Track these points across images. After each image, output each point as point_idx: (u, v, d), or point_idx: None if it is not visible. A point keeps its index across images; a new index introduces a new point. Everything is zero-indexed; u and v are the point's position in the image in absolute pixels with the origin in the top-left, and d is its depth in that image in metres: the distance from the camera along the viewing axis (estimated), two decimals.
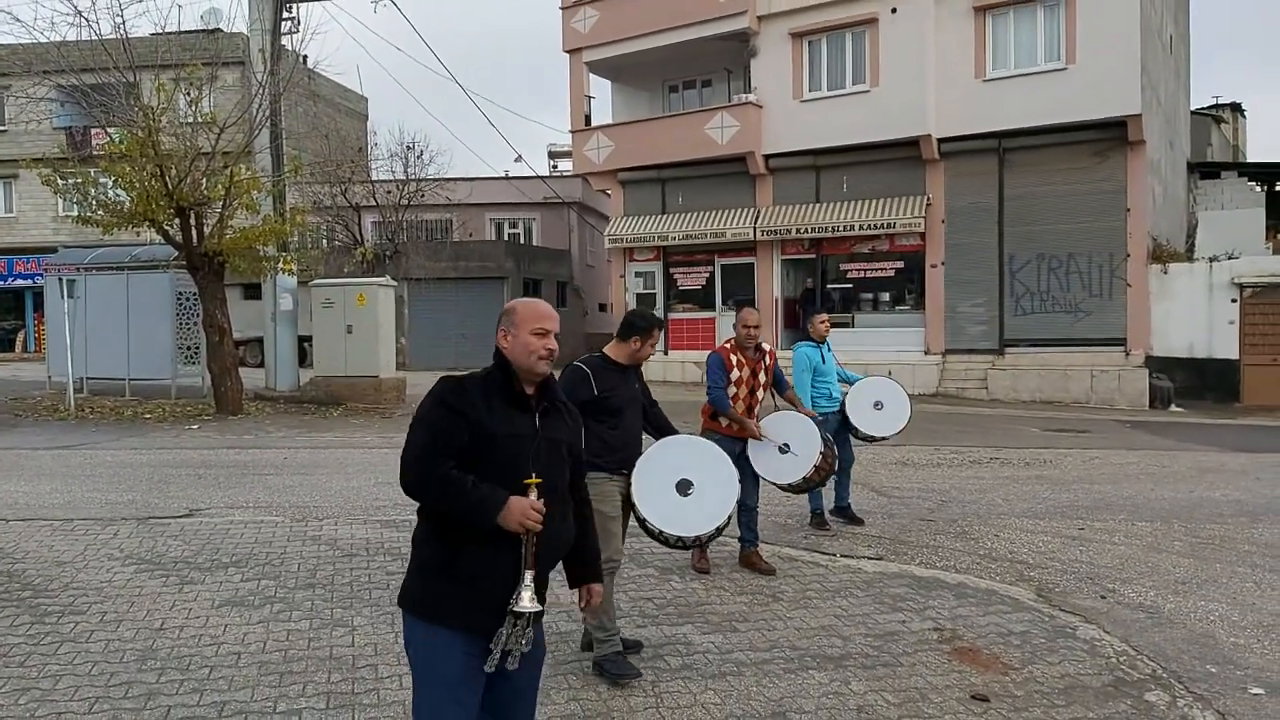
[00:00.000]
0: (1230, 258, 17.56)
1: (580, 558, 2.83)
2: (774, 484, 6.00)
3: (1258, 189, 22.84)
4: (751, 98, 20.18)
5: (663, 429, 4.70)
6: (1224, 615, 5.23)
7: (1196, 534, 7.26)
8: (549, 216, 30.15)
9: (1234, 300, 17.23)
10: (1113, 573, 6.12)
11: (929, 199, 18.84)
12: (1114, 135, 17.14)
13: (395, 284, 17.49)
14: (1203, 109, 28.99)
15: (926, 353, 19.14)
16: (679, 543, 4.44)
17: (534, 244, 29.78)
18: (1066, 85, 17.15)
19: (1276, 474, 10.04)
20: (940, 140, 18.44)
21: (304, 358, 19.31)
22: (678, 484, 4.33)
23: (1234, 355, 17.29)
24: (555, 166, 39.01)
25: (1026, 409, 16.71)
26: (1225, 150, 29.91)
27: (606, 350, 4.54)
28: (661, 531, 4.32)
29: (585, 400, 4.16)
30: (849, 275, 20.35)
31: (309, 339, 17.32)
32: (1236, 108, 32.48)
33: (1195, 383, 17.41)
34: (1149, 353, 17.41)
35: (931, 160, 18.72)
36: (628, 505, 4.39)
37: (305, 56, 22.97)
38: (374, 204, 25.95)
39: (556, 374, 3.02)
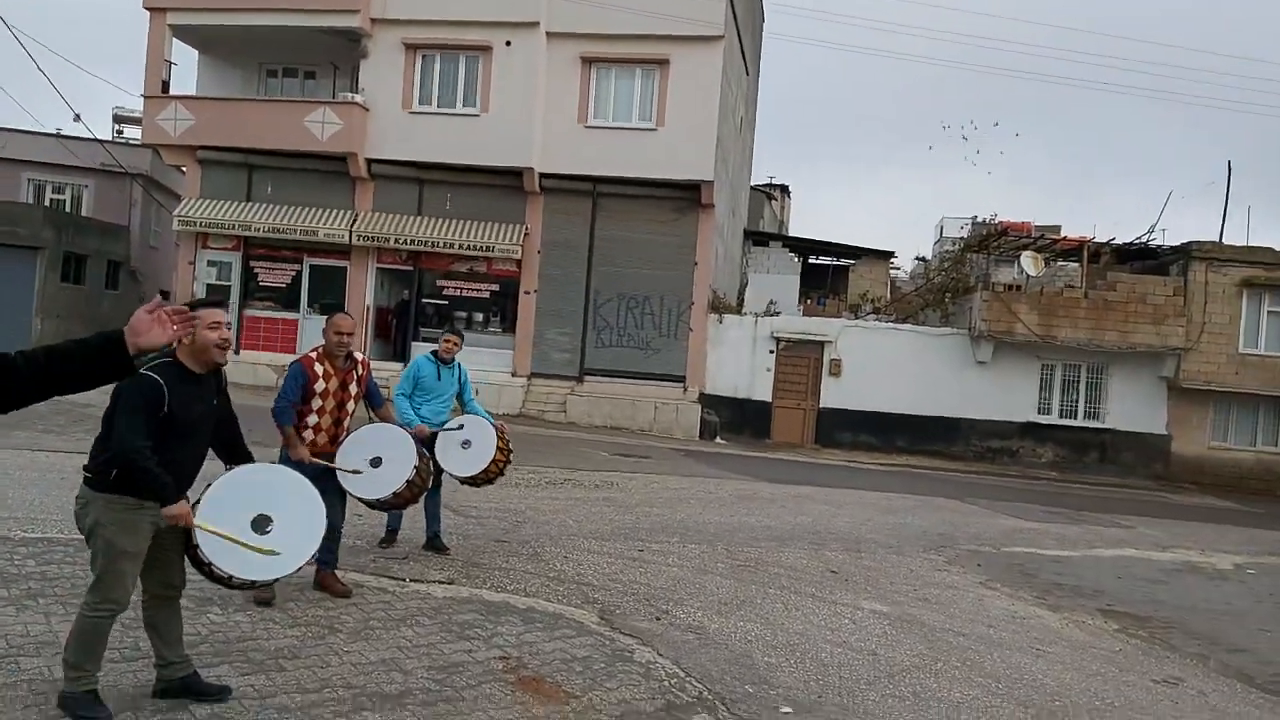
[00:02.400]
0: (770, 315, 20.27)
1: None
2: (361, 500, 5.61)
3: (795, 259, 26.74)
4: (358, 98, 19.27)
5: (237, 454, 4.02)
6: (759, 635, 5.75)
7: (736, 556, 8.03)
8: (106, 186, 26.07)
9: (771, 351, 19.89)
10: (667, 594, 6.50)
11: (527, 229, 19.35)
12: (690, 196, 18.99)
13: None
14: (759, 185, 33.44)
15: (514, 374, 19.54)
16: (249, 585, 3.92)
17: (84, 215, 25.59)
18: (655, 145, 18.68)
19: (798, 503, 11.59)
20: (542, 175, 19.06)
21: None
22: (254, 521, 3.72)
23: (768, 398, 19.93)
24: (120, 132, 34.10)
25: (599, 434, 17.71)
26: (774, 223, 34.76)
27: (179, 353, 3.65)
28: (231, 576, 3.70)
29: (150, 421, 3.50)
30: (445, 292, 20.17)
31: None
32: (784, 189, 38.01)
33: (737, 419, 19.74)
34: (703, 390, 19.43)
35: (533, 192, 19.28)
36: (175, 541, 3.69)
37: None
38: None
39: None
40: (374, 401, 5.81)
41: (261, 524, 3.74)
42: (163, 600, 3.80)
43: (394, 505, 5.81)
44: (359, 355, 5.65)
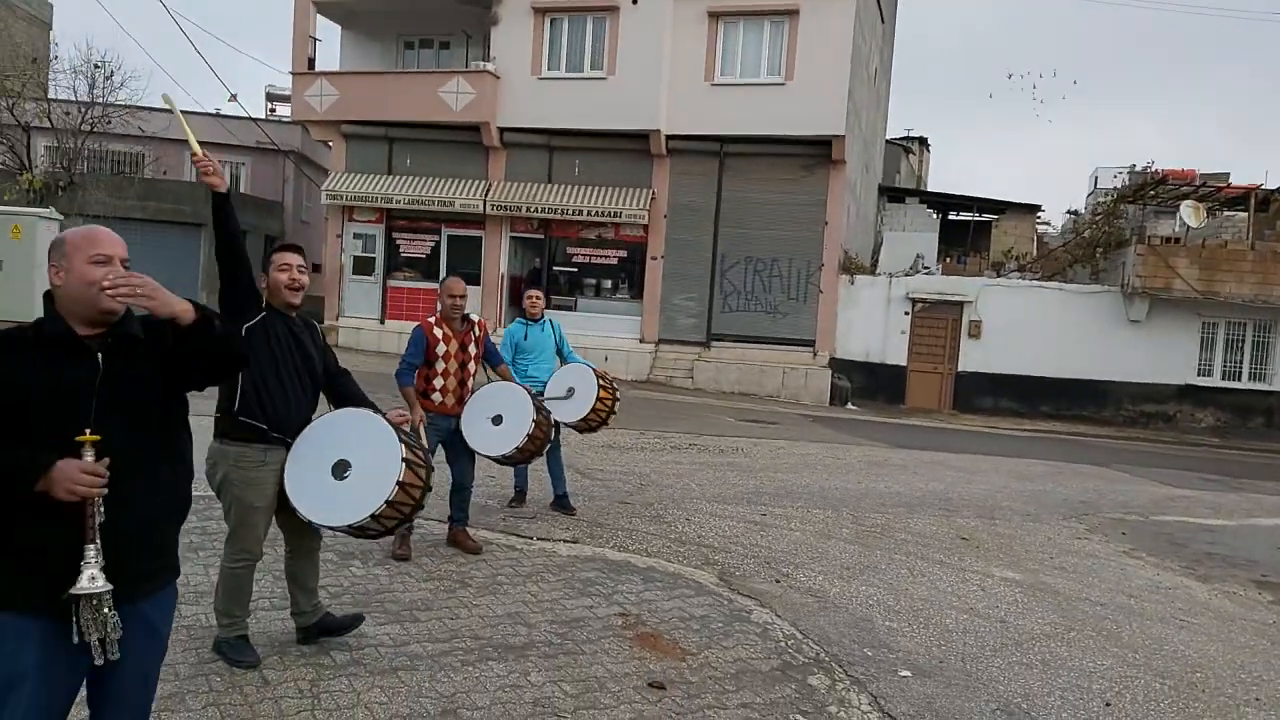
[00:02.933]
0: (906, 274, 19.66)
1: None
2: (487, 456, 5.85)
3: (934, 215, 25.79)
4: (490, 67, 19.68)
5: (347, 399, 4.10)
6: (880, 600, 5.70)
7: (862, 522, 7.94)
8: (262, 164, 27.72)
9: (906, 313, 19.31)
10: (788, 557, 6.51)
11: (654, 193, 19.38)
12: (820, 153, 18.54)
13: (62, 218, 15.23)
14: (895, 139, 32.31)
15: (641, 341, 19.72)
16: (353, 530, 3.95)
17: (242, 191, 27.28)
18: (784, 100, 18.29)
19: (930, 470, 11.31)
20: (669, 136, 19.01)
21: None
22: (334, 466, 3.77)
23: (903, 362, 19.39)
24: (273, 110, 35.96)
25: (726, 399, 17.71)
26: (910, 178, 33.57)
27: (268, 299, 3.91)
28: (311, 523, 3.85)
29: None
30: (575, 259, 20.50)
31: None
32: (923, 141, 36.55)
33: (869, 384, 19.32)
34: (833, 354, 19.09)
35: (659, 155, 19.26)
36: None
37: None
38: (49, 126, 22.50)
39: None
40: (492, 360, 6.08)
41: (341, 469, 3.76)
42: (303, 552, 4.09)
43: (518, 460, 6.01)
44: (475, 317, 5.90)
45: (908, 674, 4.52)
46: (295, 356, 3.89)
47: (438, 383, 5.66)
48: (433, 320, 5.71)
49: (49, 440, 2.07)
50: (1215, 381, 18.39)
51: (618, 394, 7.02)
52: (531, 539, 6.28)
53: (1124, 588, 6.62)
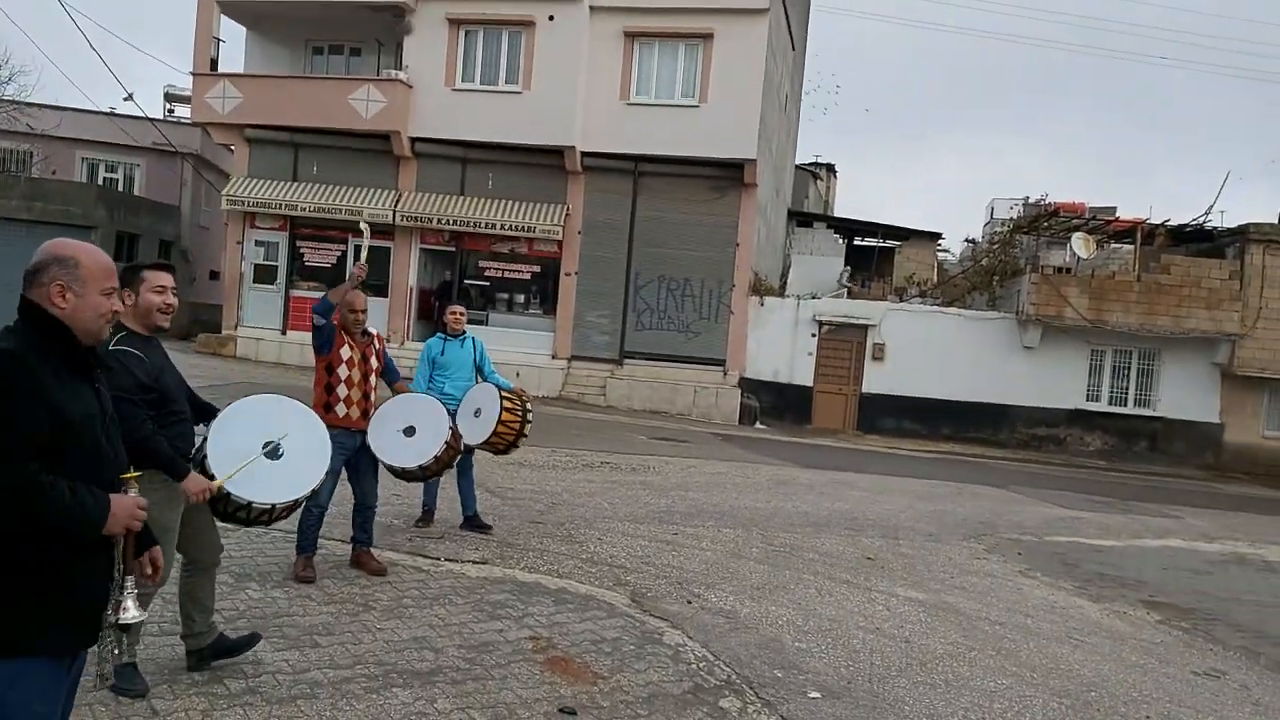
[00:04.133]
0: (814, 297, 20.08)
1: None
2: (396, 468, 5.65)
3: (840, 241, 26.43)
4: (402, 75, 19.37)
5: (205, 410, 3.92)
6: (790, 620, 5.73)
7: (771, 541, 8.00)
8: (158, 166, 26.58)
9: (814, 335, 19.71)
10: (700, 577, 6.49)
11: (569, 209, 19.34)
12: (733, 175, 18.81)
13: None
14: (804, 164, 33.05)
15: (554, 357, 19.60)
16: (278, 514, 4.01)
17: (136, 194, 26.12)
18: (698, 122, 18.52)
19: (837, 490, 11.50)
20: (584, 153, 19.01)
21: None
22: (264, 447, 3.83)
23: (809, 382, 19.76)
24: (171, 111, 34.54)
25: (638, 417, 17.72)
26: (819, 203, 34.36)
27: (125, 321, 3.51)
28: (261, 504, 3.83)
29: (137, 387, 3.45)
30: (487, 273, 20.27)
31: None
32: (830, 168, 37.49)
33: (778, 404, 19.62)
34: (743, 374, 19.33)
35: (574, 172, 19.24)
36: (202, 508, 3.76)
37: None
38: None
39: None
40: (391, 377, 5.88)
41: (273, 450, 3.85)
42: (204, 567, 3.90)
43: (430, 473, 5.84)
44: (374, 329, 5.76)
45: (817, 695, 4.54)
46: (180, 385, 3.78)
47: (341, 392, 5.41)
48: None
49: (86, 474, 2.06)
50: (1103, 406, 19.31)
51: (529, 416, 6.85)
52: (439, 560, 6.11)
53: (1021, 607, 6.82)
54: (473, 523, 7.02)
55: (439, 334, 7.04)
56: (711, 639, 5.16)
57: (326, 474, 4.29)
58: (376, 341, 5.70)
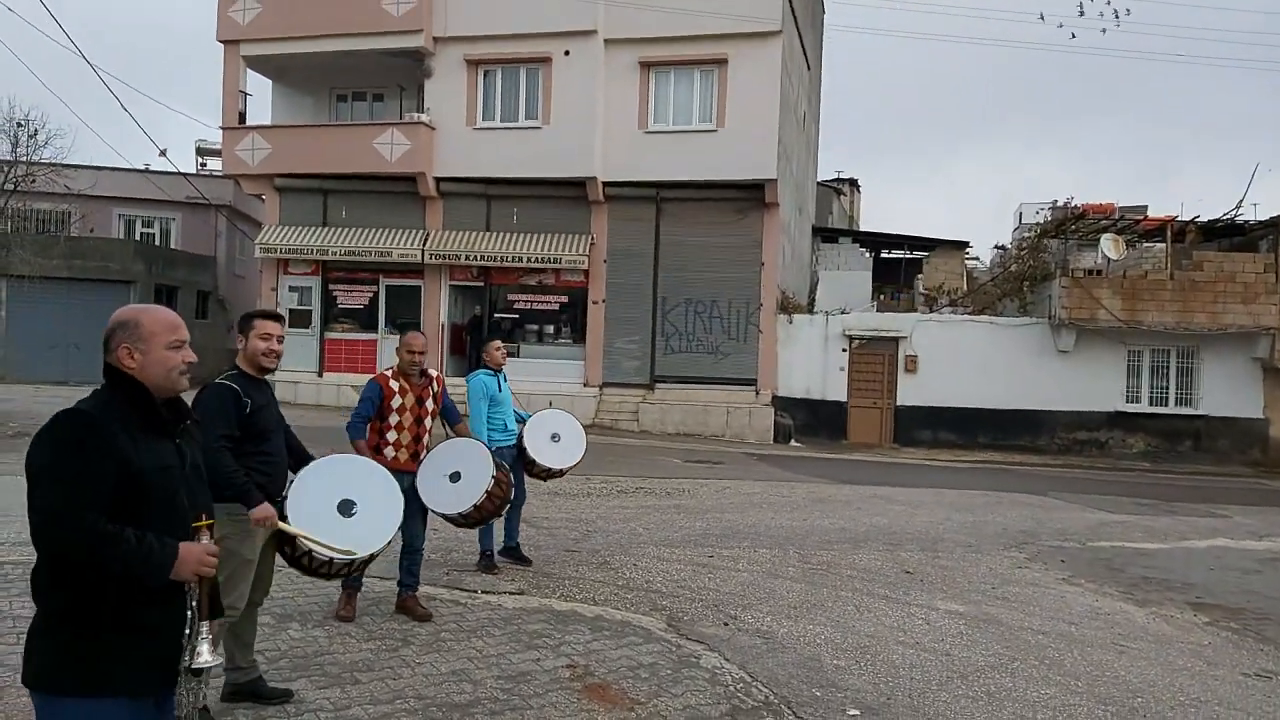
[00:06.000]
0: (843, 312, 20.03)
1: None
2: (443, 516, 5.62)
3: (867, 254, 26.37)
4: (424, 118, 19.74)
5: (301, 457, 4.23)
6: (829, 638, 5.71)
7: (808, 560, 7.97)
8: (193, 219, 27.28)
9: (844, 350, 19.63)
10: (735, 599, 6.50)
11: (593, 239, 19.52)
12: (754, 196, 18.89)
13: None
14: (826, 181, 33.08)
15: (585, 385, 19.71)
16: (345, 569, 4.14)
17: (172, 247, 26.78)
18: (716, 146, 18.65)
19: (874, 504, 11.43)
20: (605, 183, 19.21)
21: None
22: (339, 505, 3.98)
23: (843, 398, 19.67)
24: (204, 165, 35.53)
25: (671, 441, 17.74)
26: (843, 219, 34.33)
27: (238, 362, 4.02)
28: (331, 560, 3.94)
29: (236, 423, 3.80)
30: (516, 306, 20.48)
31: None
32: (854, 183, 37.49)
33: (812, 421, 19.53)
34: (775, 393, 19.29)
35: (597, 202, 19.44)
36: (270, 548, 3.98)
37: None
38: None
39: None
40: (451, 418, 5.87)
41: (346, 507, 3.99)
42: (250, 606, 4.03)
43: (475, 520, 5.76)
44: (433, 372, 5.75)
45: (856, 713, 4.53)
46: (279, 424, 4.13)
47: (390, 436, 5.45)
48: (389, 373, 5.57)
49: (157, 523, 2.15)
50: (1144, 407, 18.99)
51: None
52: (476, 592, 6.18)
53: (1064, 615, 6.74)
54: (513, 554, 7.07)
55: (484, 369, 6.90)
56: (749, 660, 5.17)
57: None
58: (435, 384, 5.68)
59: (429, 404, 5.60)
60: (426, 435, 5.64)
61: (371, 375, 5.67)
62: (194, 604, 2.22)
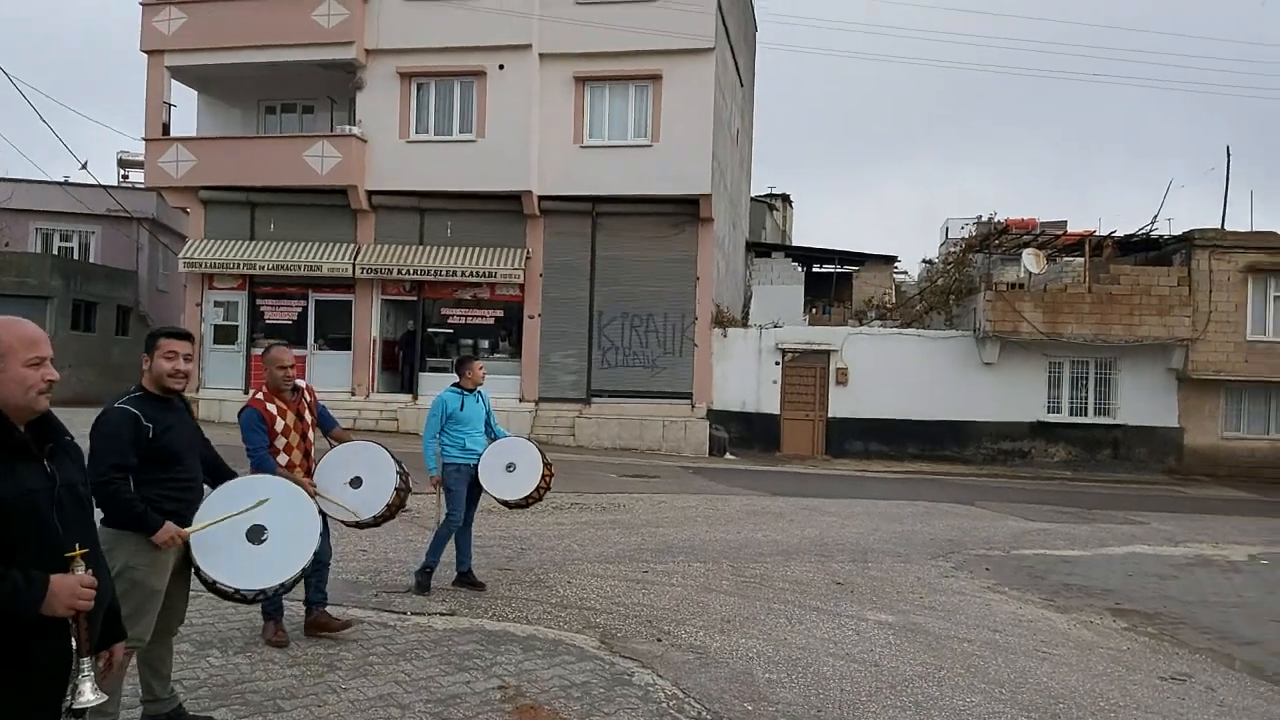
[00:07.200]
0: (776, 326, 20.29)
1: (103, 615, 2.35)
2: (347, 524, 5.49)
3: (799, 269, 26.77)
4: (356, 130, 19.48)
5: (221, 478, 4.08)
6: (760, 651, 5.75)
7: (741, 573, 8.03)
8: (114, 232, 26.42)
9: (777, 363, 19.88)
10: (669, 614, 6.50)
11: (529, 253, 19.46)
12: (688, 211, 19.06)
13: None
14: (759, 196, 33.50)
15: (521, 400, 19.59)
16: (257, 596, 3.95)
17: (92, 261, 25.91)
18: (651, 161, 18.78)
19: (806, 516, 11.57)
20: (541, 197, 19.19)
21: None
22: (248, 532, 3.79)
23: (776, 410, 19.91)
24: (126, 177, 34.43)
25: (608, 455, 17.72)
26: (776, 234, 34.78)
27: (143, 382, 3.80)
28: (237, 590, 3.79)
29: (134, 450, 3.59)
30: (450, 320, 20.29)
31: None
32: (786, 198, 38.02)
33: (746, 433, 19.72)
34: (710, 406, 19.43)
35: (533, 215, 19.40)
36: (183, 574, 3.84)
37: None
38: None
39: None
40: (326, 425, 5.73)
41: (256, 533, 3.80)
42: (164, 636, 3.89)
43: (384, 519, 5.60)
44: (302, 383, 5.59)
45: None
46: (191, 446, 3.94)
47: (282, 459, 5.26)
48: (261, 397, 5.32)
49: (27, 556, 2.01)
50: (1064, 417, 19.61)
51: (552, 468, 7.12)
52: (406, 614, 6.07)
53: (989, 623, 6.90)
54: (466, 579, 6.93)
55: (453, 388, 6.87)
56: (681, 676, 5.18)
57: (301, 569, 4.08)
58: (307, 394, 5.56)
59: (307, 416, 5.47)
60: (312, 448, 5.49)
61: (242, 405, 5.35)
62: (78, 640, 2.08)
